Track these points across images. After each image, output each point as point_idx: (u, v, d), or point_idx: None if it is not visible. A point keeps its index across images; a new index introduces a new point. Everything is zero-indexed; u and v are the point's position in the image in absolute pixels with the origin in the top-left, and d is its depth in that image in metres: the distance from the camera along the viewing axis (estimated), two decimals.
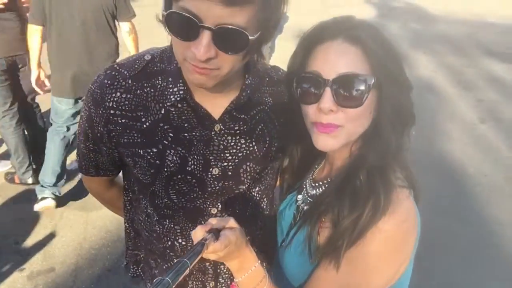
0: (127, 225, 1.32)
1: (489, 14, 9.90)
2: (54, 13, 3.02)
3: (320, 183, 1.05)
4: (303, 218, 1.03)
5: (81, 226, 3.25)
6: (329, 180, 1.03)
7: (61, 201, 3.44)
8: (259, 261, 0.96)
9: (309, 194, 1.07)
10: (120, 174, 1.28)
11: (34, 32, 3.05)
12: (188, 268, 0.75)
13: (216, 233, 0.86)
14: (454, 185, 3.76)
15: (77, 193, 3.58)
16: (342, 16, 0.97)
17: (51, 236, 3.16)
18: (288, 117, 1.09)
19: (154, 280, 0.71)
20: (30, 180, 3.62)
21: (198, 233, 0.86)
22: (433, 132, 4.45)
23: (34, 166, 3.62)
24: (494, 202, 3.61)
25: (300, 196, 1.11)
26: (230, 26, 0.84)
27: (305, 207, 1.06)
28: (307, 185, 1.10)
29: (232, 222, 0.90)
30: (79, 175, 3.77)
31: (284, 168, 1.21)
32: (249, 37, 0.86)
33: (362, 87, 0.88)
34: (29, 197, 3.48)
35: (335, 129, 0.92)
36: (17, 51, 3.32)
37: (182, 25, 0.85)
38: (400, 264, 0.93)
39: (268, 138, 1.13)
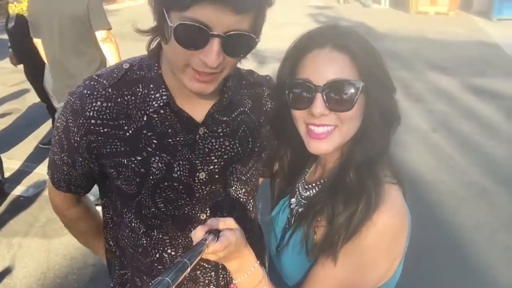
0: (112, 243, 1.27)
1: (428, 30, 10.52)
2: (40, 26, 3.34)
3: (313, 184, 1.08)
4: (298, 219, 1.05)
5: (43, 254, 3.09)
6: (322, 181, 1.06)
7: (18, 230, 3.26)
8: (258, 262, 0.96)
9: (302, 196, 1.10)
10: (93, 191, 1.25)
11: (37, 43, 3.51)
12: (188, 269, 0.75)
13: (216, 233, 0.86)
14: (412, 192, 3.85)
15: (36, 220, 3.41)
16: (328, 25, 1.02)
17: (10, 267, 2.97)
18: (276, 122, 1.12)
19: (154, 280, 0.70)
20: None
21: (198, 234, 0.86)
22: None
23: None
24: (452, 207, 3.77)
25: (293, 200, 1.12)
26: (240, 32, 0.87)
27: (300, 209, 1.08)
28: (300, 188, 1.12)
29: (232, 223, 0.91)
30: (36, 202, 3.62)
31: (275, 173, 1.23)
32: (256, 39, 0.90)
33: (352, 92, 0.92)
34: None
35: (328, 134, 0.95)
36: None
37: (191, 35, 0.86)
38: (394, 258, 0.96)
39: (251, 138, 1.15)
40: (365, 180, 0.93)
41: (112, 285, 1.34)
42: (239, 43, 0.89)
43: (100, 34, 3.32)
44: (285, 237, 1.08)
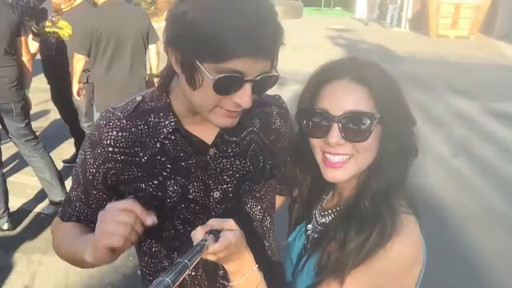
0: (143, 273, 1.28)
1: (448, 54, 10.47)
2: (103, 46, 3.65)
3: (329, 211, 1.09)
4: (313, 245, 1.06)
5: (62, 272, 3.12)
6: (338, 208, 1.07)
7: (38, 247, 3.31)
8: (257, 266, 0.97)
9: (318, 222, 1.11)
10: None
11: (79, 60, 3.70)
12: (188, 269, 0.75)
13: (216, 234, 0.86)
14: (432, 218, 3.82)
15: None
16: (348, 57, 1.06)
17: (30, 285, 3.01)
18: (297, 149, 1.14)
19: (154, 281, 0.70)
20: (5, 226, 3.49)
21: (198, 234, 0.87)
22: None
23: (10, 211, 3.53)
24: (473, 232, 3.69)
25: (309, 226, 1.13)
26: (269, 75, 0.95)
27: (315, 235, 1.09)
28: (316, 215, 1.13)
29: (232, 224, 0.91)
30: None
31: (294, 198, 1.24)
32: (279, 76, 0.98)
33: (367, 123, 0.94)
34: (6, 244, 3.34)
35: (344, 163, 0.97)
36: (4, 100, 3.45)
37: (228, 83, 0.92)
38: None
39: (262, 156, 1.18)
40: (380, 209, 0.94)
41: None
42: (267, 83, 0.97)
43: (153, 47, 3.86)
44: (300, 263, 1.08)
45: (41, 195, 3.98)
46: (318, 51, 9.32)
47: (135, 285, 2.40)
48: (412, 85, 7.58)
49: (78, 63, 3.73)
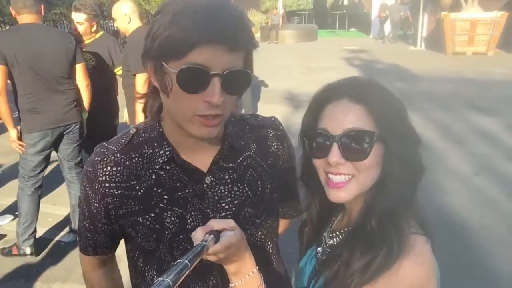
0: None
1: (466, 70, 10.36)
2: None
3: (338, 232, 1.08)
4: (322, 267, 1.04)
5: None
6: (346, 230, 1.06)
7: (58, 275, 3.32)
8: (257, 267, 0.96)
9: (327, 244, 1.10)
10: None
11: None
12: (189, 270, 0.74)
13: (216, 234, 0.86)
14: (455, 240, 3.72)
15: (75, 266, 3.47)
16: (348, 77, 1.06)
17: None
18: (303, 172, 1.13)
19: (154, 282, 0.70)
20: (28, 251, 3.53)
21: (198, 234, 0.86)
22: (429, 187, 4.47)
23: (36, 236, 3.58)
24: (500, 254, 3.57)
25: (319, 249, 1.12)
26: (236, 69, 0.94)
27: (323, 257, 1.08)
28: (326, 237, 1.12)
29: (232, 224, 0.91)
30: (76, 248, 3.67)
31: (304, 222, 1.23)
32: (251, 74, 0.97)
33: (367, 141, 0.94)
34: (26, 272, 3.36)
35: (345, 184, 0.97)
36: (66, 122, 3.55)
37: (193, 78, 0.92)
38: None
39: (260, 181, 1.16)
40: (386, 229, 0.93)
41: None
42: (237, 80, 0.95)
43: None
44: (309, 286, 1.07)
45: (61, 224, 4.03)
46: (333, 72, 9.33)
47: None
48: (430, 103, 7.51)
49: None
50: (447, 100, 7.75)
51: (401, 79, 8.72)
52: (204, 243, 0.82)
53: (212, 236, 0.85)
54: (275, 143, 1.22)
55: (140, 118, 3.71)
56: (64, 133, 3.58)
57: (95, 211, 1.13)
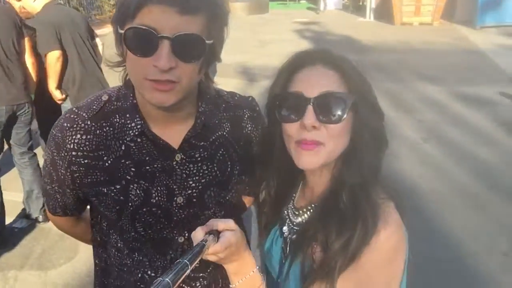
0: (97, 262, 1.30)
1: (414, 41, 10.66)
2: None
3: (304, 209, 1.07)
4: (293, 250, 1.03)
5: (40, 287, 3.03)
6: (312, 206, 1.05)
7: (13, 263, 3.21)
8: (258, 267, 0.96)
9: (294, 222, 1.08)
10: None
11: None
12: (189, 270, 0.75)
13: (216, 234, 0.86)
14: (406, 204, 3.88)
15: (31, 252, 3.37)
16: (319, 47, 1.06)
17: None
18: (265, 142, 1.11)
19: (154, 281, 0.70)
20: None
21: (198, 234, 0.86)
22: None
23: None
24: (448, 216, 3.78)
25: (285, 228, 1.10)
26: (187, 32, 0.89)
27: (293, 237, 1.07)
28: (290, 215, 1.10)
29: (232, 224, 0.90)
30: (30, 233, 3.57)
31: (262, 202, 1.20)
32: (206, 41, 0.92)
33: (342, 105, 0.93)
34: None
35: (317, 146, 0.95)
36: (19, 101, 3.41)
37: (141, 39, 0.90)
38: (392, 278, 0.95)
39: (230, 162, 1.16)
40: (360, 204, 0.93)
41: None
42: (189, 46, 0.91)
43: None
44: (283, 270, 1.06)
45: (14, 210, 3.86)
46: (286, 45, 9.33)
47: None
48: (380, 74, 7.69)
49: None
50: (395, 70, 7.97)
51: (351, 50, 8.84)
52: (204, 243, 0.82)
53: (212, 236, 0.84)
54: (249, 125, 1.21)
55: (56, 95, 3.66)
56: (17, 114, 3.42)
57: (62, 177, 1.11)
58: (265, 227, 1.17)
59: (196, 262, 0.78)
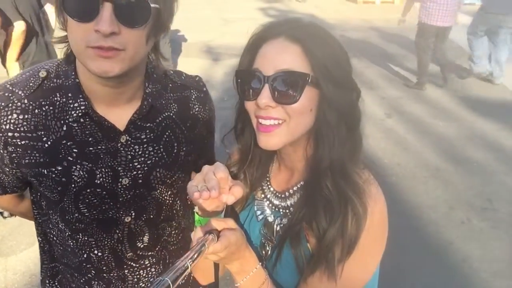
0: (40, 239, 1.26)
1: (376, 19, 10.77)
2: None
3: (287, 193, 1.03)
4: (282, 237, 0.99)
5: (0, 274, 2.94)
6: (295, 188, 1.01)
7: None
8: (260, 263, 0.94)
9: (279, 206, 1.04)
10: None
11: None
12: (189, 269, 0.74)
13: (216, 233, 0.85)
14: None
15: None
16: (289, 17, 1.00)
17: None
18: (238, 120, 1.07)
19: (154, 280, 0.69)
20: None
21: (198, 234, 0.85)
22: None
23: None
24: (409, 188, 3.90)
25: (267, 211, 1.06)
26: None
27: (280, 222, 1.03)
28: (270, 197, 1.06)
29: (231, 223, 0.89)
30: None
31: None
32: (150, 4, 0.88)
33: (298, 84, 0.89)
34: None
35: (275, 127, 0.92)
36: None
37: (81, 3, 0.85)
38: (384, 244, 0.98)
39: (176, 143, 1.14)
40: (344, 191, 0.90)
41: (41, 278, 1.32)
42: (132, 9, 0.87)
43: None
44: (271, 255, 1.02)
45: None
46: (250, 23, 9.20)
47: None
48: None
49: None
50: (359, 48, 8.03)
51: None
52: (204, 242, 0.80)
53: (212, 235, 0.83)
54: (196, 106, 1.18)
55: (13, 69, 3.50)
56: None
57: (0, 156, 1.04)
58: (232, 209, 1.11)
59: (196, 261, 0.77)
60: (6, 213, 3.46)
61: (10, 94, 1.01)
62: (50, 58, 3.51)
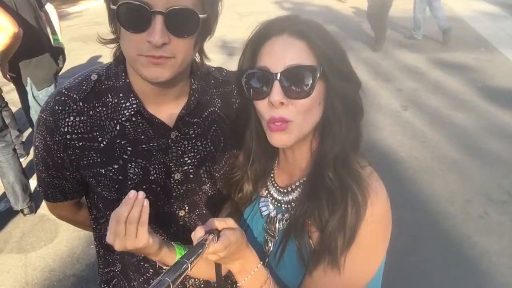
0: (96, 243, 1.32)
1: (392, 9, 10.59)
2: None
3: (289, 188, 1.04)
4: (287, 231, 1.00)
5: (20, 270, 3.02)
6: (297, 184, 1.03)
7: None
8: (261, 263, 0.95)
9: (281, 202, 1.05)
10: None
11: None
12: (189, 269, 0.75)
13: (216, 233, 0.86)
14: (387, 171, 3.94)
15: (10, 236, 3.33)
16: (287, 14, 1.01)
17: None
18: (239, 119, 1.10)
19: (154, 281, 0.71)
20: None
21: (198, 234, 0.85)
22: (362, 125, 4.63)
23: None
24: (426, 182, 3.84)
25: (271, 207, 1.07)
26: (180, 7, 0.89)
27: (283, 217, 1.04)
28: (273, 193, 1.08)
29: (231, 223, 0.89)
30: (9, 217, 3.53)
31: (234, 181, 1.15)
32: (200, 15, 0.92)
33: (309, 78, 0.90)
34: None
35: (287, 125, 0.92)
36: None
37: (134, 15, 0.89)
38: (388, 241, 0.97)
39: (223, 137, 1.18)
40: (345, 180, 0.92)
41: (98, 281, 1.37)
42: (182, 20, 0.91)
43: None
44: (275, 252, 1.03)
45: None
46: (265, 17, 9.16)
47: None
48: (359, 43, 7.66)
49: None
50: (373, 38, 7.92)
51: (333, 21, 8.72)
52: (204, 242, 0.81)
53: (212, 235, 0.84)
54: (238, 100, 1.20)
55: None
56: None
57: (59, 161, 1.10)
58: (236, 208, 1.14)
59: (197, 261, 0.77)
60: (26, 210, 3.56)
61: (66, 98, 1.07)
62: (50, 58, 3.49)
